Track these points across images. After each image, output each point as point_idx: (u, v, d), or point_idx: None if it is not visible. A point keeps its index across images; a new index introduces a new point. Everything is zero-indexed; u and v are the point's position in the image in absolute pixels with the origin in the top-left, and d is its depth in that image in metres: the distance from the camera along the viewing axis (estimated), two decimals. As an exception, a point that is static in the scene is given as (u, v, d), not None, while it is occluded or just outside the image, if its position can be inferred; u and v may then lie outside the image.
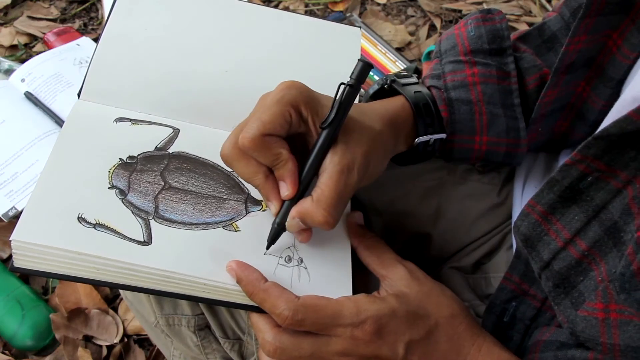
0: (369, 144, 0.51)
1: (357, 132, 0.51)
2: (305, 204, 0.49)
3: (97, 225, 0.49)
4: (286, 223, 0.50)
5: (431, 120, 0.58)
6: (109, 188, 0.52)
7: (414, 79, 0.61)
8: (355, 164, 0.49)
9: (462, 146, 0.61)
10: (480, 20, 0.62)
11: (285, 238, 0.53)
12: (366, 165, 0.51)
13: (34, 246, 0.46)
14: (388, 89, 0.61)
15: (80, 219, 0.49)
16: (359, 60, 0.50)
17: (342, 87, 0.49)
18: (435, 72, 0.62)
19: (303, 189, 0.50)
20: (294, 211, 0.49)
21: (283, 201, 0.50)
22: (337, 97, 0.49)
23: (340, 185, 0.48)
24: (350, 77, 0.49)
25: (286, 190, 0.49)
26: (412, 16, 1.59)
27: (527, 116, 0.61)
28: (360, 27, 0.68)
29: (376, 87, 0.62)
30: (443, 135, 0.59)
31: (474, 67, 0.60)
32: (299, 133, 0.51)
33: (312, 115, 0.50)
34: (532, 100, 0.60)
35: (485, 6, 1.60)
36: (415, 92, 0.59)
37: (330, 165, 0.49)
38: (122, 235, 0.49)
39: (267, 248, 0.52)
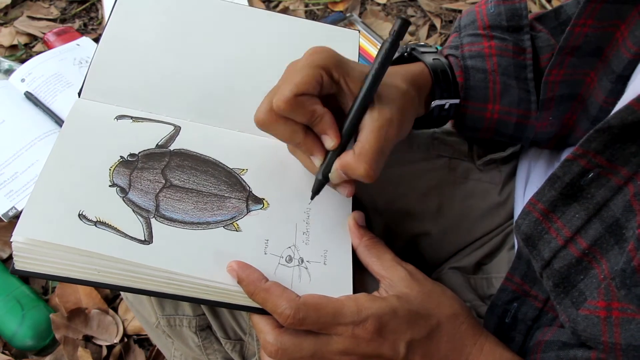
0: (401, 101, 0.54)
1: (389, 91, 0.53)
2: (347, 157, 0.51)
3: (97, 223, 0.49)
4: (330, 174, 0.52)
5: (447, 85, 0.61)
6: (109, 186, 0.52)
7: (432, 49, 0.64)
8: (393, 119, 0.51)
9: (475, 113, 0.63)
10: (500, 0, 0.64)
11: (286, 237, 0.53)
12: (402, 121, 0.53)
13: (35, 247, 0.46)
14: (408, 57, 0.63)
15: (81, 216, 0.49)
16: (397, 17, 0.52)
17: (384, 43, 0.51)
18: (454, 43, 0.65)
19: (346, 141, 0.52)
20: (337, 163, 0.51)
21: (326, 154, 0.52)
22: (379, 53, 0.51)
23: (381, 139, 0.50)
24: (389, 34, 0.51)
25: (330, 141, 0.51)
26: (412, 16, 1.59)
27: (539, 92, 0.62)
28: (360, 27, 0.69)
29: (396, 54, 0.63)
30: (457, 100, 0.62)
31: (491, 41, 0.63)
32: (331, 95, 0.52)
33: (344, 75, 0.52)
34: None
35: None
36: (433, 59, 0.61)
37: (370, 121, 0.51)
38: (123, 233, 0.49)
39: (312, 198, 0.54)
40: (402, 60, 0.64)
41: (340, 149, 0.52)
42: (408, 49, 0.63)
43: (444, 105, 0.62)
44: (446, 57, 0.63)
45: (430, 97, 0.61)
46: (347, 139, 0.52)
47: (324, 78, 0.50)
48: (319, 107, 0.50)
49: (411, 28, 1.55)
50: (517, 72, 0.62)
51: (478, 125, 0.65)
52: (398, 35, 0.51)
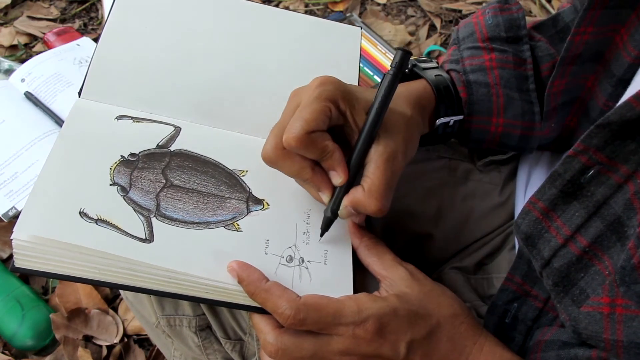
0: (406, 130, 0.53)
1: (393, 119, 0.53)
2: (357, 194, 0.51)
3: (98, 221, 0.49)
4: (339, 211, 0.52)
5: (451, 102, 0.61)
6: (110, 185, 0.52)
7: (433, 64, 0.63)
8: (398, 151, 0.51)
9: (479, 127, 0.63)
10: (497, 10, 0.64)
11: (286, 238, 0.53)
12: (407, 150, 0.53)
13: (35, 244, 0.46)
14: (409, 74, 0.63)
15: (82, 214, 0.49)
16: (397, 49, 0.51)
17: (385, 76, 0.51)
18: (454, 57, 0.64)
19: (353, 176, 0.52)
20: (346, 200, 0.51)
21: (334, 190, 0.52)
22: (381, 86, 0.51)
23: (388, 173, 0.50)
24: (390, 67, 0.51)
25: (338, 177, 0.51)
26: (412, 16, 1.59)
27: (542, 102, 0.62)
28: (360, 27, 0.68)
29: None
30: (462, 117, 0.62)
31: (492, 53, 0.63)
32: (336, 125, 0.52)
33: (350, 108, 0.51)
34: (546, 87, 0.62)
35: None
36: (435, 75, 0.61)
37: (376, 155, 0.51)
38: (124, 231, 0.49)
39: (321, 236, 0.54)
40: (403, 76, 0.63)
41: (348, 184, 0.51)
42: (409, 65, 0.63)
43: (449, 122, 0.61)
44: (447, 72, 0.63)
45: (434, 115, 0.61)
46: (354, 174, 0.52)
47: (333, 111, 0.50)
48: (329, 142, 0.50)
49: (411, 28, 1.55)
50: (519, 84, 0.62)
51: (482, 138, 0.64)
52: (399, 67, 0.51)
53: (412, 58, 0.61)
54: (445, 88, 0.61)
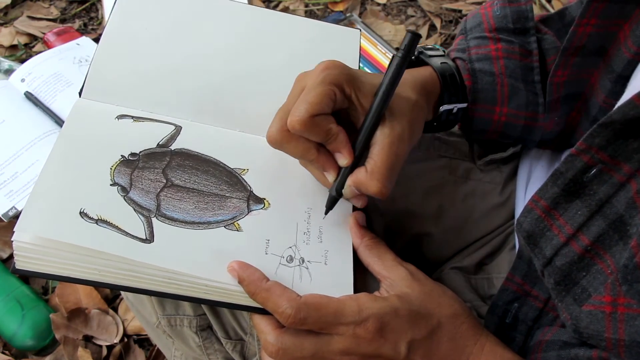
0: (411, 114, 0.54)
1: (399, 104, 0.53)
2: (360, 175, 0.51)
3: (99, 221, 0.49)
4: (343, 190, 0.53)
5: (455, 89, 0.61)
6: (110, 185, 0.52)
7: (439, 52, 0.64)
8: (404, 134, 0.52)
9: (483, 116, 0.64)
10: (506, 1, 0.65)
11: (287, 237, 0.53)
12: (412, 134, 0.53)
13: (36, 246, 0.46)
14: (415, 61, 0.64)
15: (82, 214, 0.49)
16: (407, 31, 0.52)
17: (394, 58, 0.51)
18: (461, 46, 0.65)
19: (358, 157, 0.52)
20: (349, 180, 0.52)
21: (339, 170, 0.53)
22: (389, 68, 0.51)
23: (392, 156, 0.51)
24: (399, 49, 0.51)
25: (343, 158, 0.52)
26: (412, 16, 1.59)
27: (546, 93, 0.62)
28: (360, 27, 0.69)
29: None
30: (466, 104, 0.62)
31: (498, 43, 0.63)
32: (341, 109, 0.53)
33: (355, 91, 0.52)
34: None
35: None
36: (441, 63, 0.62)
37: (381, 137, 0.51)
38: (124, 232, 0.49)
39: (326, 214, 0.54)
40: (409, 63, 0.64)
41: (353, 165, 0.52)
42: (415, 53, 0.63)
43: (452, 109, 0.62)
44: (453, 60, 0.63)
45: (438, 102, 0.61)
46: (360, 155, 0.52)
47: (337, 95, 0.51)
48: (333, 126, 0.51)
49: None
50: (524, 74, 0.62)
51: (485, 127, 0.65)
52: (409, 50, 0.51)
53: (418, 46, 0.61)
54: (450, 75, 0.61)
